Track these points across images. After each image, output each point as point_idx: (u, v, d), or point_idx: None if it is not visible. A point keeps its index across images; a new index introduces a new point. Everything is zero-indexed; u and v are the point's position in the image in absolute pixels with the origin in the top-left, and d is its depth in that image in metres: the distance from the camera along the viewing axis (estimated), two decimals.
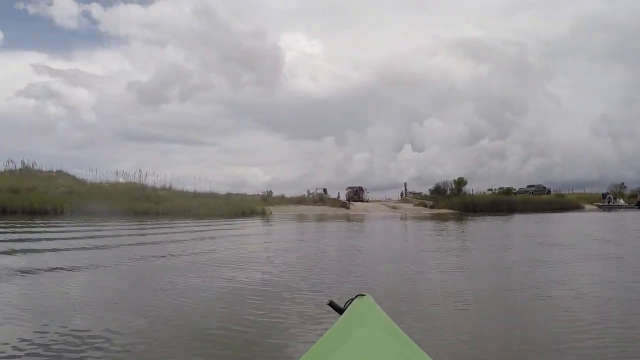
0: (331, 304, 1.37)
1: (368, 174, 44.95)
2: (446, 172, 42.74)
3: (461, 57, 62.59)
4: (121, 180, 28.81)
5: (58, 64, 63.35)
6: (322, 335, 1.12)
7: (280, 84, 55.11)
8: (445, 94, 55.50)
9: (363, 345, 0.95)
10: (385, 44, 67.39)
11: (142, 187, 28.91)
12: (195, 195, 28.96)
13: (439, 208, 32.26)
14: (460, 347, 2.62)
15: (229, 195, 30.82)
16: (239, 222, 18.39)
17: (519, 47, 54.25)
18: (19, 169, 28.07)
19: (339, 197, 35.77)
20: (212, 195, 29.06)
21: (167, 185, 29.44)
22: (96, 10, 50.56)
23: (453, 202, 32.51)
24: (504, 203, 33.92)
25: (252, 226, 16.70)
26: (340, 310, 1.33)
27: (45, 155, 50.96)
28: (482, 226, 16.34)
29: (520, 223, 18.11)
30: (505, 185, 40.17)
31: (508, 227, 16.39)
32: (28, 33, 56.01)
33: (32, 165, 28.77)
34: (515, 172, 45.87)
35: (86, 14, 55.99)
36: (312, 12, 63.01)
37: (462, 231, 14.01)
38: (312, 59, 56.65)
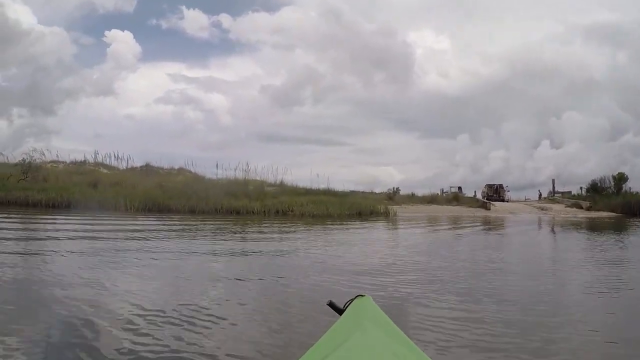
0: (331, 305, 1.32)
1: (504, 172, 39.76)
2: (587, 170, 36.09)
3: (597, 43, 54.07)
4: (233, 176, 26.59)
5: (193, 72, 65.75)
6: (322, 335, 1.08)
7: (412, 82, 51.81)
8: (582, 84, 47.89)
9: (362, 346, 0.95)
10: (514, 33, 60.93)
11: (244, 183, 25.83)
12: (307, 192, 25.13)
13: (597, 210, 26.10)
14: None
15: (351, 193, 26.70)
16: (338, 229, 13.91)
17: None
18: (140, 167, 27.95)
19: (475, 196, 30.78)
20: (328, 192, 25.03)
21: (278, 181, 26.02)
22: (226, 20, 53.12)
23: (614, 203, 26.20)
24: None
25: (350, 236, 12.09)
26: (340, 311, 1.28)
27: (184, 156, 54.12)
28: None
29: None
30: None
31: None
32: (163, 46, 60.32)
33: (154, 164, 28.60)
34: None
35: (216, 25, 58.33)
36: (437, 6, 58.64)
37: None
38: (442, 55, 52.39)
